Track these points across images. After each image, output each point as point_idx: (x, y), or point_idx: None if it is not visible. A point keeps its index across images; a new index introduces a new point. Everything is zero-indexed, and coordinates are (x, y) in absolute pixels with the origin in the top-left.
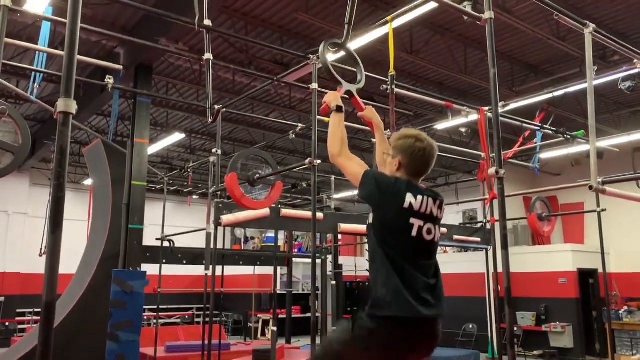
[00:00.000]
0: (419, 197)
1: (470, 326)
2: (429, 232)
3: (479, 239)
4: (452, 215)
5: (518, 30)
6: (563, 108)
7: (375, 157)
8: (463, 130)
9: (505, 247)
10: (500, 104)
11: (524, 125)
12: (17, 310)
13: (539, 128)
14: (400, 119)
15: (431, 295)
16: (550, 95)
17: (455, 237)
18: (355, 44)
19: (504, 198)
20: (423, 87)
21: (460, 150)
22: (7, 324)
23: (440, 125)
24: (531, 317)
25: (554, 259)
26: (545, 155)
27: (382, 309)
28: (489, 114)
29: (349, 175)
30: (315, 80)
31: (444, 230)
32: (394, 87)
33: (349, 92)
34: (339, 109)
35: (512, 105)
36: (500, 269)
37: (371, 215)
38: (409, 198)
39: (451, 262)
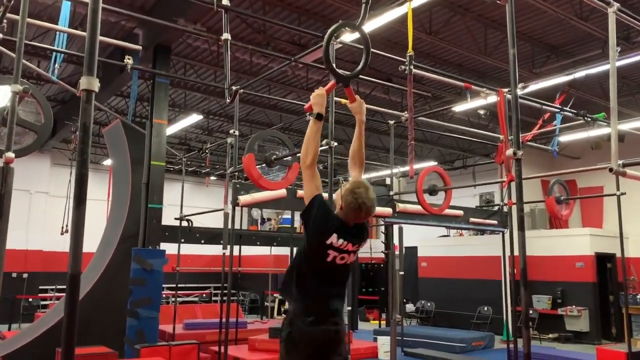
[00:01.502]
0: (341, 240)
1: (485, 309)
2: (342, 259)
3: (495, 222)
4: (468, 199)
5: (539, 10)
6: (584, 90)
7: (350, 151)
8: (482, 112)
9: (521, 228)
10: (519, 85)
11: (544, 107)
12: (40, 287)
13: (558, 110)
14: (418, 100)
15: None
16: (571, 77)
17: (472, 219)
18: (372, 25)
19: (522, 180)
20: (442, 68)
21: (478, 132)
22: (30, 299)
23: (458, 107)
24: (547, 301)
25: (572, 242)
26: (565, 138)
27: None
28: (508, 96)
29: (304, 188)
30: (333, 61)
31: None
32: (412, 67)
33: (344, 81)
34: (319, 116)
35: (532, 87)
36: (516, 252)
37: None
38: (332, 239)
39: (467, 245)
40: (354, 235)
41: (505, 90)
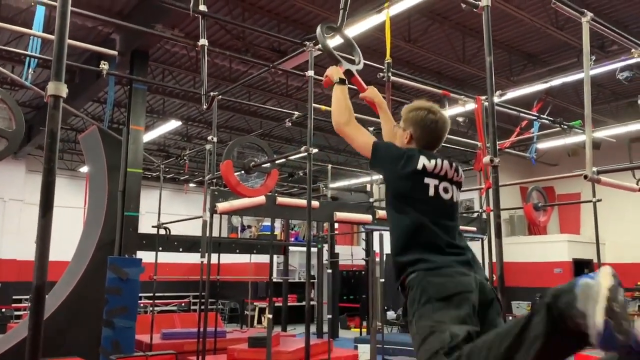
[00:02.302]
0: (433, 161)
1: None
2: (445, 190)
3: (474, 229)
4: None
5: (516, 19)
6: (561, 98)
7: (383, 137)
8: (460, 119)
9: (498, 235)
10: (497, 93)
11: (521, 114)
12: (14, 297)
13: (536, 118)
14: (398, 107)
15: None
16: (547, 85)
17: None
18: (352, 32)
19: (498, 187)
20: (420, 76)
21: (457, 139)
22: (3, 310)
23: None
24: (526, 307)
25: (550, 249)
26: (543, 145)
27: None
28: (486, 103)
29: (357, 145)
30: (311, 68)
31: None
32: (390, 75)
33: (348, 72)
34: (341, 81)
35: (510, 95)
36: (495, 258)
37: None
38: (422, 160)
39: None
40: (444, 158)
41: (483, 97)
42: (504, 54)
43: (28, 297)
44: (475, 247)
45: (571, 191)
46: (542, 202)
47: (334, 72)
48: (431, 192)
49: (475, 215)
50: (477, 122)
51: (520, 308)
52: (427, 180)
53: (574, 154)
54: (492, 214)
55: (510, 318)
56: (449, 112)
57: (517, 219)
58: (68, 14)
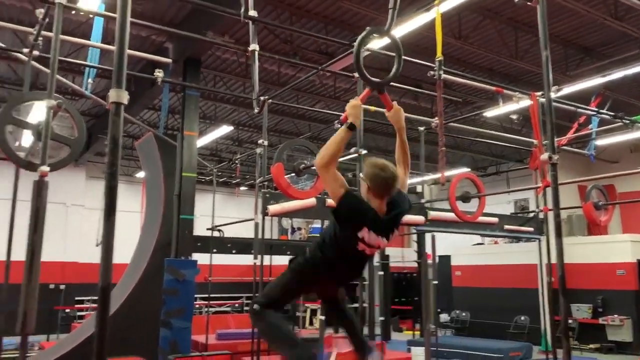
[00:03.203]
0: (372, 234)
1: (522, 318)
2: (370, 251)
3: (531, 229)
4: (502, 206)
5: (572, 11)
6: (621, 92)
7: (395, 157)
8: (514, 117)
9: (559, 235)
10: (553, 88)
11: (579, 110)
12: (76, 298)
13: (594, 113)
14: (449, 106)
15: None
16: (606, 79)
17: (507, 227)
18: (400, 31)
19: (557, 185)
20: (472, 73)
21: (511, 137)
22: (67, 310)
23: (490, 113)
24: (587, 309)
25: (612, 249)
26: (602, 141)
27: None
28: (542, 99)
29: (329, 188)
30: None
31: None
32: (441, 72)
33: (379, 89)
34: (351, 126)
35: (566, 90)
36: (554, 259)
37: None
38: (363, 232)
39: (502, 253)
40: (386, 227)
41: (538, 93)
42: (559, 47)
43: (89, 298)
44: (531, 248)
45: (633, 189)
46: (602, 201)
47: (352, 114)
48: (359, 248)
49: (531, 215)
50: (532, 119)
51: (581, 311)
52: (360, 243)
53: (636, 150)
54: (550, 213)
55: (570, 321)
56: (502, 110)
57: (576, 218)
58: (127, 25)
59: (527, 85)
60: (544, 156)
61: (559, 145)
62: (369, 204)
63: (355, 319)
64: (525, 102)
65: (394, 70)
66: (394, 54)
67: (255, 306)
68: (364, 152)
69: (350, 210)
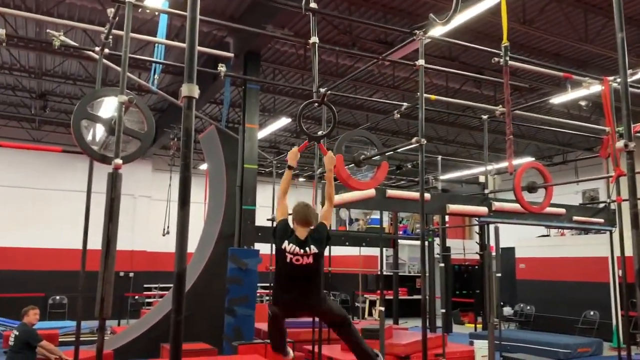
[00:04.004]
0: (290, 245)
1: (592, 313)
2: (297, 260)
3: (601, 220)
4: (569, 196)
5: None
6: None
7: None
8: (583, 103)
9: (635, 226)
10: (628, 72)
11: None
12: (144, 285)
13: None
14: (513, 93)
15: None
16: None
17: (575, 218)
18: (462, 17)
19: (634, 174)
20: (537, 58)
21: (579, 125)
22: (136, 297)
23: (557, 99)
24: None
25: None
26: None
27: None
28: (615, 84)
29: (277, 211)
30: (422, 57)
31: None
32: (507, 59)
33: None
34: (290, 167)
35: None
36: (628, 251)
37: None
38: (284, 243)
39: (569, 245)
40: (301, 244)
41: (611, 78)
42: (632, 29)
43: (157, 285)
44: (600, 240)
45: None
46: None
47: (290, 157)
48: (287, 259)
49: (601, 205)
50: (604, 105)
51: None
52: (286, 254)
53: None
54: (625, 204)
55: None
56: (569, 96)
57: None
58: (197, 20)
59: (597, 69)
60: (620, 143)
61: (634, 132)
62: (293, 229)
63: (356, 338)
64: (595, 88)
65: (329, 129)
66: (455, 41)
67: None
68: (424, 141)
69: (280, 230)
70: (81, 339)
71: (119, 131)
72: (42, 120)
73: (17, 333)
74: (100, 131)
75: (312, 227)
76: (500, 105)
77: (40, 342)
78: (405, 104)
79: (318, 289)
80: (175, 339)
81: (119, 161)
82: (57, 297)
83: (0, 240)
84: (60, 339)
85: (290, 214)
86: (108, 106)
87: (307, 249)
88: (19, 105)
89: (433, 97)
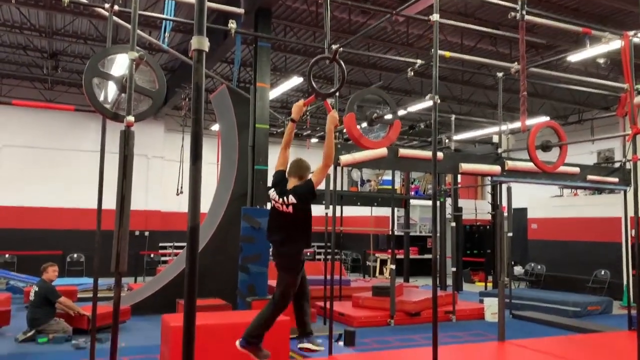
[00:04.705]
0: (274, 192)
1: (602, 272)
2: (279, 207)
3: (616, 180)
4: (584, 156)
5: None
6: None
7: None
8: (601, 61)
9: None
10: None
11: None
12: (160, 244)
13: None
14: (529, 51)
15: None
16: None
17: (590, 177)
18: None
19: None
20: (556, 14)
21: (597, 82)
22: (152, 255)
23: (575, 57)
24: None
25: None
26: None
27: None
28: (636, 39)
29: (277, 163)
30: (437, 11)
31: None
32: (524, 13)
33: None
34: (292, 120)
35: None
36: None
37: None
38: (271, 190)
39: (582, 206)
40: (284, 193)
41: (631, 33)
42: None
43: (172, 244)
44: (614, 200)
45: None
46: None
47: (294, 110)
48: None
49: (617, 165)
50: (623, 61)
51: None
52: (272, 201)
53: None
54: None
55: None
56: (587, 53)
57: None
58: None
59: (617, 25)
60: (638, 99)
61: None
62: (287, 180)
63: (306, 302)
64: (615, 44)
65: (338, 87)
66: None
67: None
68: (437, 98)
69: (274, 178)
70: (99, 295)
71: (130, 88)
72: (54, 80)
73: (37, 289)
74: (112, 90)
75: (301, 182)
76: (516, 63)
77: (59, 299)
78: (419, 61)
79: (294, 243)
80: (189, 292)
81: (131, 118)
82: (75, 255)
83: (18, 199)
84: (78, 295)
85: None
86: (119, 65)
87: (284, 198)
88: (31, 65)
89: (447, 54)
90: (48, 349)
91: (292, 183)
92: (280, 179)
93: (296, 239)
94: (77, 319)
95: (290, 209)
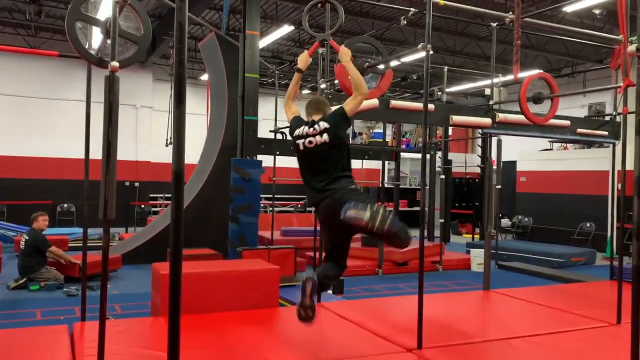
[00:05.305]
0: (301, 129)
1: (588, 225)
2: (309, 143)
3: (605, 133)
4: (575, 110)
5: None
6: None
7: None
8: (597, 12)
9: (639, 133)
10: None
11: None
12: (150, 195)
13: None
14: (525, 0)
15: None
16: None
17: (579, 130)
18: None
19: None
20: None
21: (591, 34)
22: (142, 206)
23: (570, 7)
24: None
25: None
26: None
27: None
28: None
29: (287, 114)
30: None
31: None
32: None
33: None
34: (299, 70)
35: None
36: (629, 164)
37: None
38: (297, 131)
39: (571, 159)
40: (310, 124)
41: None
42: None
43: (162, 195)
44: (602, 154)
45: None
46: None
47: (300, 60)
48: (301, 147)
49: (607, 118)
50: (618, 11)
51: None
52: (297, 140)
53: None
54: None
55: None
56: (584, 3)
57: None
58: None
59: None
60: (632, 47)
61: None
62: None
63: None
64: None
65: (336, 26)
66: None
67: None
68: (430, 48)
69: (293, 124)
70: (90, 244)
71: (114, 32)
72: (38, 27)
73: (27, 238)
74: (97, 38)
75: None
76: (510, 12)
77: (49, 248)
78: (412, 9)
79: (339, 179)
80: (175, 238)
81: (115, 64)
82: (65, 205)
83: (5, 147)
84: (70, 244)
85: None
86: (103, 11)
87: (315, 126)
88: (13, 10)
89: (442, 1)
90: (40, 296)
91: (315, 118)
92: (300, 122)
93: (341, 171)
94: (69, 267)
95: (325, 137)
